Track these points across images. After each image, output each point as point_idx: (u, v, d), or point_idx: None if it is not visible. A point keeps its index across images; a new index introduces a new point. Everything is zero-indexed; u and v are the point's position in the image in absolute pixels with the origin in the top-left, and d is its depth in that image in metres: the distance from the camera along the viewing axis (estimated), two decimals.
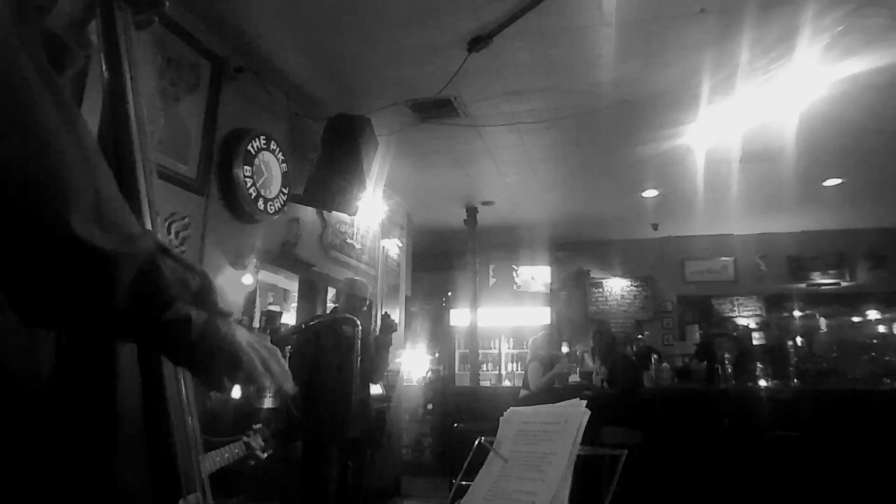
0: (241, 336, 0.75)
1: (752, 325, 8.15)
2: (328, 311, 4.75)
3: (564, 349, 8.05)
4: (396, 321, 6.48)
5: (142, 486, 0.74)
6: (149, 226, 0.83)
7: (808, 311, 8.03)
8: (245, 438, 2.25)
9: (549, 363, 5.09)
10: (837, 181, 6.24)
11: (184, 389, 0.82)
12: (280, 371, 0.79)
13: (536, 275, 8.75)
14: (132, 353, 0.76)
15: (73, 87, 2.56)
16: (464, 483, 1.25)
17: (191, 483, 0.77)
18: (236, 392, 3.43)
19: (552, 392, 4.88)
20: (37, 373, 0.72)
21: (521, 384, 5.36)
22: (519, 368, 8.06)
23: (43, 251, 0.58)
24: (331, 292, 5.03)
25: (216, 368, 0.73)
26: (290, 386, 0.80)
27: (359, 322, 2.87)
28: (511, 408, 1.35)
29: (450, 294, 8.44)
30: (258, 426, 2.39)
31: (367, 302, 3.61)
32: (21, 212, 0.57)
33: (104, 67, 0.86)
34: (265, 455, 2.32)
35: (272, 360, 0.79)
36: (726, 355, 5.31)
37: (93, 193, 0.62)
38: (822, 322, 7.84)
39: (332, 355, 3.26)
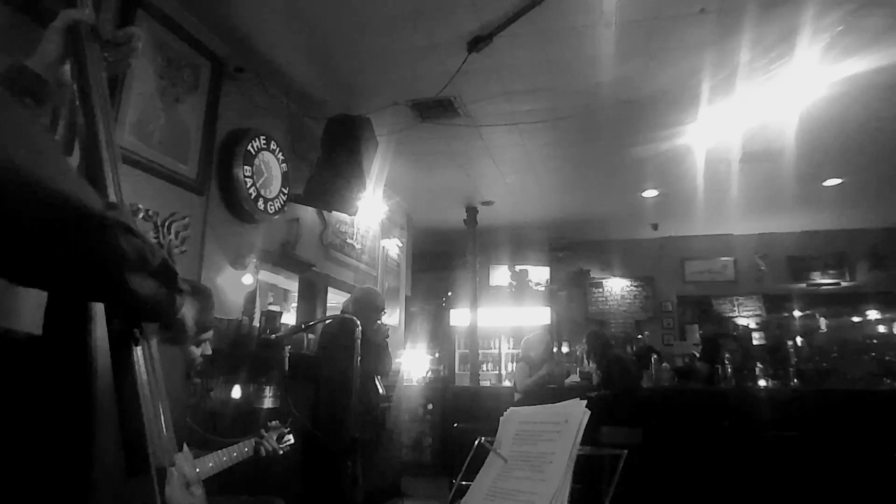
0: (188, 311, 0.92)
1: (752, 325, 8.14)
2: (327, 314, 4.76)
3: (565, 349, 8.07)
4: (396, 322, 6.51)
5: (116, 462, 0.80)
6: None
7: (808, 311, 8.02)
8: (257, 437, 2.26)
9: (538, 364, 5.08)
10: (837, 181, 6.24)
11: (155, 373, 0.89)
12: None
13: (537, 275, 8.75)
14: (106, 340, 0.83)
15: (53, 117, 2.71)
16: (464, 483, 1.25)
17: (160, 459, 0.84)
18: (236, 392, 3.44)
19: (548, 393, 4.88)
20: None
21: None
22: None
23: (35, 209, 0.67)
24: (331, 292, 5.03)
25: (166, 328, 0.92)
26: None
27: (358, 322, 2.88)
28: (511, 408, 1.35)
29: (450, 294, 8.44)
30: (274, 422, 2.40)
31: (384, 312, 3.68)
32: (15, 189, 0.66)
33: (78, 100, 1.01)
34: (282, 451, 2.33)
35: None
36: (727, 355, 5.31)
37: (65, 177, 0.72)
38: (822, 322, 7.84)
39: (344, 355, 3.28)
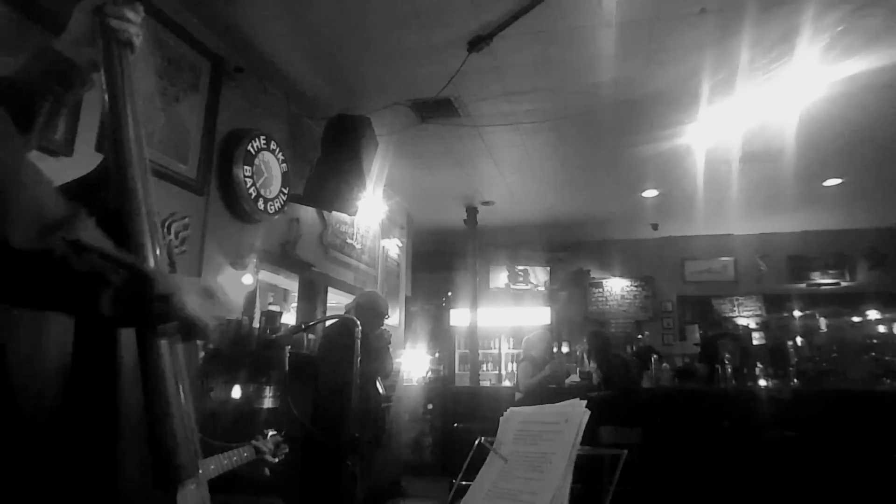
0: (191, 302, 0.84)
1: (752, 325, 8.14)
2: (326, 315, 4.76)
3: (565, 349, 8.06)
4: (396, 322, 6.51)
5: (142, 473, 0.78)
6: (146, 239, 0.89)
7: (808, 311, 8.02)
8: (254, 442, 2.26)
9: (541, 364, 5.08)
10: (837, 181, 6.24)
11: (182, 386, 0.86)
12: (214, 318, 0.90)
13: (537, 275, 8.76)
14: (134, 352, 0.80)
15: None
16: (464, 483, 1.25)
17: (190, 471, 0.82)
18: (236, 392, 3.44)
19: (549, 393, 4.88)
20: (47, 368, 0.76)
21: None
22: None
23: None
24: (331, 292, 5.03)
25: (176, 334, 0.86)
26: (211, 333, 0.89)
27: (358, 322, 2.88)
28: (511, 408, 1.35)
29: (450, 294, 8.44)
30: (272, 432, 2.40)
31: (387, 316, 3.72)
32: None
33: (104, 86, 0.96)
34: (276, 459, 2.33)
35: (213, 309, 0.89)
36: (727, 355, 5.30)
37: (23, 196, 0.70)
38: (822, 322, 7.83)
39: (345, 356, 3.28)
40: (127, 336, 0.81)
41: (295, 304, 5.05)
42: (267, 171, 4.02)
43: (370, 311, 3.57)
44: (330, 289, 5.03)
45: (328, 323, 3.93)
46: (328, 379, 3.40)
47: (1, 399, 0.71)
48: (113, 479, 0.75)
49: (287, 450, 2.42)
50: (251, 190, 3.82)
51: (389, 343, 3.78)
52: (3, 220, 0.68)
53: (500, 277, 8.81)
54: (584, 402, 1.18)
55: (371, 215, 5.60)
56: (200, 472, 1.80)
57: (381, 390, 3.90)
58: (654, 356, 5.78)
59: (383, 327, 3.75)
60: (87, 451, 0.74)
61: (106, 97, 0.96)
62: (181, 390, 0.85)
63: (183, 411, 0.85)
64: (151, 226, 0.90)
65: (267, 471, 2.26)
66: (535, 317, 8.32)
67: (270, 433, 2.39)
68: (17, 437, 0.71)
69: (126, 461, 0.77)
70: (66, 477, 0.73)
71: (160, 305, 0.81)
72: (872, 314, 7.89)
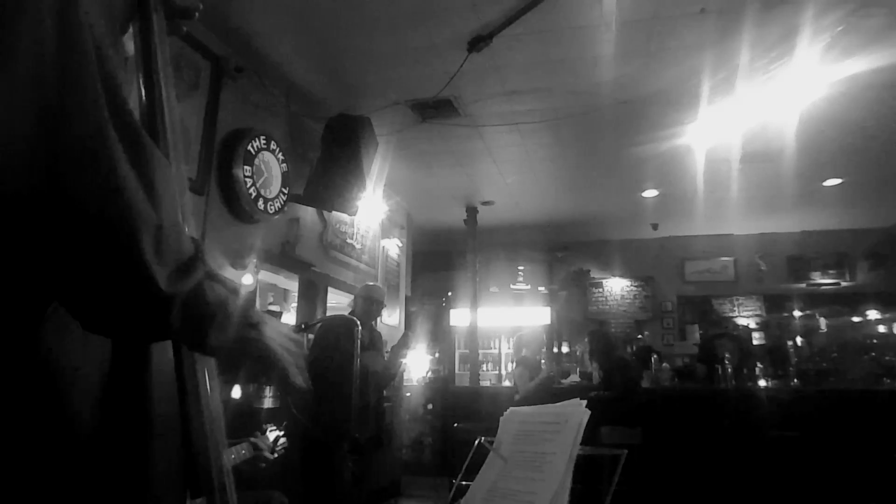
0: (273, 340, 0.81)
1: (752, 325, 8.14)
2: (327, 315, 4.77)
3: (565, 349, 8.06)
4: (396, 322, 6.51)
5: (173, 480, 0.79)
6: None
7: (808, 311, 8.02)
8: (252, 439, 2.26)
9: (536, 365, 5.08)
10: (837, 181, 6.24)
11: (212, 394, 0.85)
12: (300, 370, 0.86)
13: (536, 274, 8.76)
14: (168, 364, 0.80)
15: None
16: (464, 483, 1.25)
17: (219, 477, 0.81)
18: (236, 392, 3.44)
19: (549, 393, 4.88)
20: (89, 375, 0.75)
21: None
22: None
23: (113, 275, 0.63)
24: (331, 292, 5.03)
25: (251, 372, 0.85)
26: (300, 382, 0.85)
27: (358, 322, 2.88)
28: (511, 408, 1.35)
29: (450, 294, 8.44)
30: (271, 427, 2.40)
31: (383, 305, 3.73)
32: (94, 240, 0.62)
33: (139, 73, 0.89)
34: (274, 455, 2.33)
35: (298, 359, 0.85)
36: (726, 355, 5.30)
37: (154, 222, 0.66)
38: (822, 322, 7.83)
39: (346, 356, 3.29)
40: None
41: (295, 304, 5.05)
42: (267, 171, 4.03)
43: (364, 299, 3.57)
44: (330, 289, 5.03)
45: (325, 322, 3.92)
46: (325, 378, 3.39)
47: (47, 403, 0.70)
48: (144, 485, 0.74)
49: (286, 444, 2.42)
50: (251, 190, 3.82)
51: (407, 347, 3.72)
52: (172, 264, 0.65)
53: (499, 277, 8.80)
54: (584, 402, 1.18)
55: (371, 215, 5.60)
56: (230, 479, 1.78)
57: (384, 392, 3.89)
58: (654, 356, 5.78)
59: (405, 332, 3.73)
60: (119, 455, 0.73)
61: (141, 81, 0.87)
62: (210, 394, 0.84)
63: (214, 416, 0.83)
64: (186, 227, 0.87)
65: (264, 465, 2.26)
66: (535, 317, 8.32)
67: (270, 428, 2.39)
68: (56, 439, 0.70)
69: (156, 466, 0.76)
70: (97, 481, 0.71)
71: (253, 335, 0.78)
72: (872, 314, 7.89)
